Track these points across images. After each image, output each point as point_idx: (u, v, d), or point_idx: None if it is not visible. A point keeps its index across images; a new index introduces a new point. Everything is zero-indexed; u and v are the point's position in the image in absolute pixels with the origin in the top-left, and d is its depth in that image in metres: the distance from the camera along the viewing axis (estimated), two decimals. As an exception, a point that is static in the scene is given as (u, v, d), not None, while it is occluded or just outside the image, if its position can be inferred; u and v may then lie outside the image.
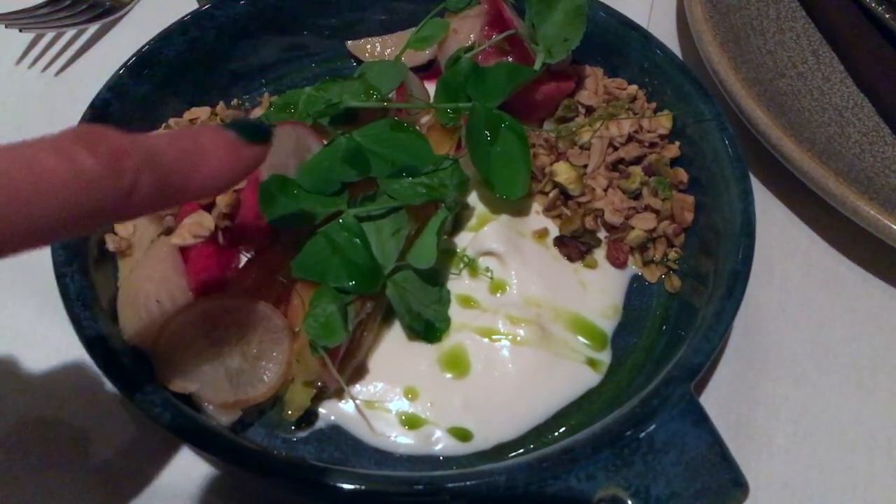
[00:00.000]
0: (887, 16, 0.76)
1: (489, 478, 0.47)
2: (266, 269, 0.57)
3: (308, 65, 0.76)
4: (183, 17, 0.69)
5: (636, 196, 0.65)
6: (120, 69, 0.65)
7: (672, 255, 0.64)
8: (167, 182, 0.35)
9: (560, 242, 0.64)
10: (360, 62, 0.75)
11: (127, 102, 0.64)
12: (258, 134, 0.42)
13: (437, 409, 0.57)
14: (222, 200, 0.60)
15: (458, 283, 0.62)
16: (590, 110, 0.69)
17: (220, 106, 0.70)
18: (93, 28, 0.82)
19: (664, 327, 0.61)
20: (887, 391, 0.61)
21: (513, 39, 0.66)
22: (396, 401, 0.57)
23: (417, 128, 0.64)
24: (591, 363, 0.59)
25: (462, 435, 0.56)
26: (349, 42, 0.76)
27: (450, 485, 0.47)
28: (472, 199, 0.66)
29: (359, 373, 0.58)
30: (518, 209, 0.65)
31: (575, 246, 0.64)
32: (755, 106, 0.67)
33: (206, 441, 0.49)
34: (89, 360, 0.51)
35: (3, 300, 0.64)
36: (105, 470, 0.55)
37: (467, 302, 0.61)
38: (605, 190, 0.65)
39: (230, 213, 0.60)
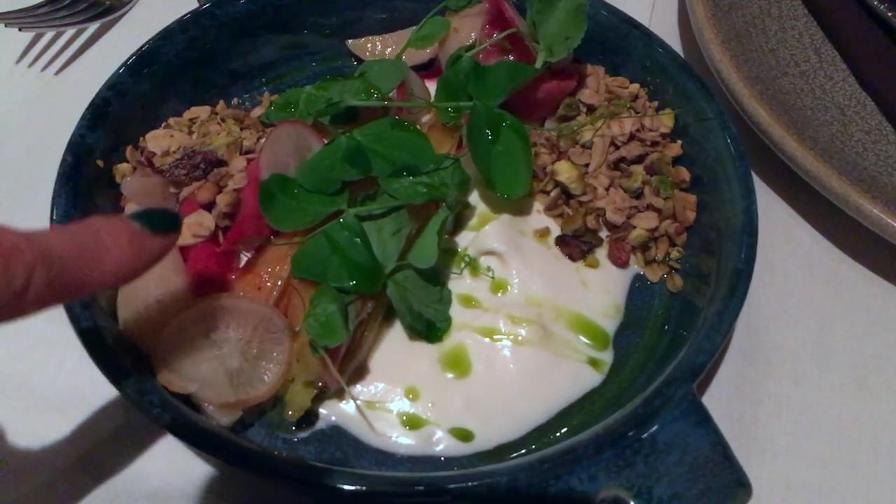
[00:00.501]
0: (890, 14, 0.76)
1: (490, 478, 0.47)
2: (266, 269, 0.57)
3: (308, 64, 0.76)
4: (183, 16, 0.68)
5: (638, 195, 0.65)
6: (120, 68, 0.64)
7: (674, 254, 0.64)
8: (62, 279, 0.35)
9: (561, 242, 0.64)
10: (360, 61, 0.75)
11: (126, 101, 0.64)
12: (165, 224, 0.42)
13: (438, 409, 0.56)
14: (222, 200, 0.60)
15: (460, 283, 0.62)
16: (591, 109, 0.69)
17: (221, 105, 0.70)
18: (92, 27, 0.82)
19: (666, 327, 0.61)
20: (890, 390, 0.61)
21: (514, 38, 0.66)
22: (397, 401, 0.57)
23: (418, 127, 0.63)
24: (593, 363, 0.59)
25: (463, 435, 0.56)
26: (349, 41, 0.76)
27: (451, 485, 0.47)
28: (474, 198, 0.65)
29: (359, 373, 0.58)
30: (519, 208, 0.65)
31: (576, 245, 0.64)
32: (757, 104, 0.66)
33: (205, 442, 0.48)
34: (88, 360, 0.51)
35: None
36: (104, 470, 0.55)
37: (468, 301, 0.61)
38: (607, 189, 0.65)
39: (230, 213, 0.60)
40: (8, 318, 0.35)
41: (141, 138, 0.65)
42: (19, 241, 0.33)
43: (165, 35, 0.67)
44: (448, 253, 0.62)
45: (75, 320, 0.52)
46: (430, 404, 0.57)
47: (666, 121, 0.66)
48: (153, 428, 0.49)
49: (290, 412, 0.55)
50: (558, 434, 0.56)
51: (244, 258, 0.61)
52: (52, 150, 0.61)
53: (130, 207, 0.61)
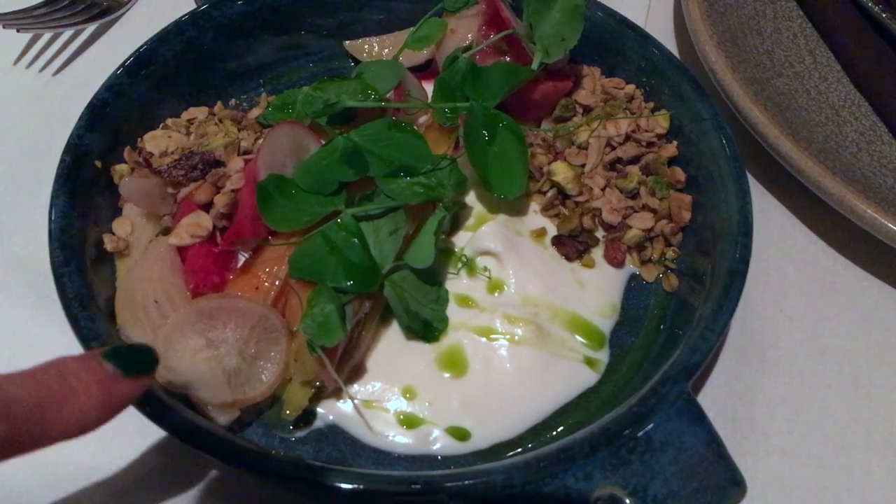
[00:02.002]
0: (884, 15, 0.76)
1: (487, 477, 0.47)
2: (263, 269, 0.57)
3: (306, 65, 0.76)
4: (180, 18, 0.69)
5: (634, 195, 0.65)
6: (118, 69, 0.65)
7: (669, 254, 0.64)
8: (21, 432, 0.33)
9: (558, 242, 0.64)
10: (357, 62, 0.75)
11: (124, 102, 0.64)
12: (140, 366, 0.40)
13: (435, 408, 0.57)
14: (220, 200, 0.60)
15: (456, 283, 0.62)
16: (587, 110, 0.69)
17: (218, 106, 0.71)
18: (90, 28, 0.82)
19: (662, 326, 0.61)
20: (883, 389, 0.61)
21: (510, 39, 0.66)
22: (394, 400, 0.57)
23: (415, 127, 0.64)
24: (589, 362, 0.59)
25: (460, 434, 0.56)
26: (347, 42, 0.76)
27: (448, 484, 0.47)
28: (470, 198, 0.66)
29: (357, 372, 0.58)
30: (516, 209, 0.65)
31: (573, 245, 0.64)
32: (752, 105, 0.67)
33: (203, 441, 0.49)
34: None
35: (0, 300, 0.64)
36: (103, 470, 0.55)
37: (465, 301, 0.61)
38: (603, 189, 0.65)
39: (228, 213, 0.60)
40: None
41: (139, 139, 0.65)
42: None
43: (163, 36, 0.67)
44: (445, 253, 0.63)
45: (73, 320, 0.52)
46: (427, 403, 0.57)
47: (661, 121, 0.67)
48: (151, 427, 0.49)
49: (288, 411, 0.55)
50: (554, 433, 0.56)
51: (242, 258, 0.61)
52: (50, 150, 0.61)
53: (129, 208, 0.61)
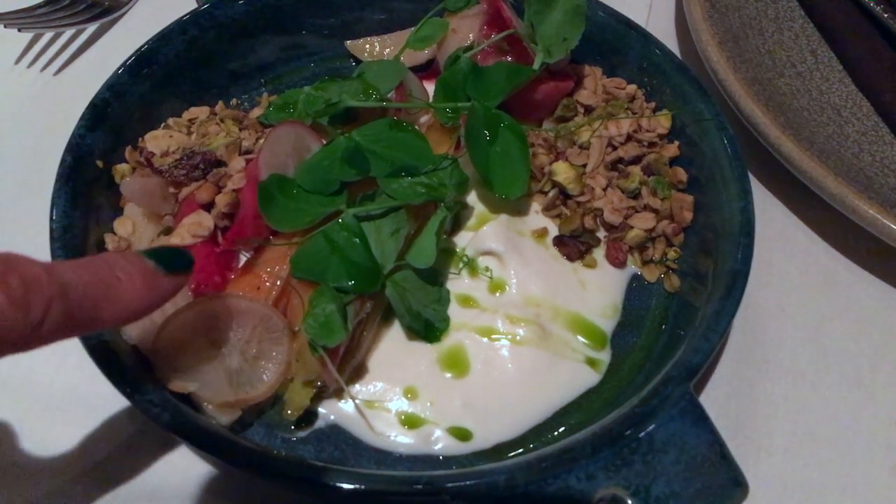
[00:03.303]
0: (886, 15, 0.76)
1: (489, 477, 0.47)
2: (265, 269, 0.57)
3: (307, 64, 0.76)
4: (182, 17, 0.69)
5: (635, 195, 0.65)
6: (119, 69, 0.65)
7: (671, 254, 0.64)
8: (77, 314, 0.35)
9: (559, 242, 0.64)
10: (359, 62, 0.75)
11: (126, 102, 0.64)
12: (179, 264, 0.43)
13: (436, 408, 0.57)
14: (221, 200, 0.60)
15: (458, 283, 0.62)
16: (589, 110, 0.69)
17: (220, 105, 0.70)
18: (91, 28, 0.82)
19: (663, 327, 0.61)
20: (886, 390, 0.61)
21: (512, 39, 0.66)
22: (396, 400, 0.57)
23: (416, 127, 0.63)
24: (591, 362, 0.59)
25: (462, 434, 0.56)
26: (348, 42, 0.76)
27: (449, 484, 0.47)
28: (472, 198, 0.66)
29: (358, 372, 0.58)
30: (517, 209, 0.65)
31: (574, 245, 0.64)
32: (754, 105, 0.67)
33: (205, 441, 0.49)
34: (88, 360, 0.51)
35: (2, 300, 0.64)
36: (104, 470, 0.55)
37: (467, 301, 0.61)
38: (605, 189, 0.65)
39: (230, 213, 0.60)
40: (21, 349, 0.35)
41: (140, 139, 0.65)
42: (40, 274, 0.33)
43: (164, 36, 0.67)
44: (446, 253, 0.63)
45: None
46: (428, 404, 0.57)
47: (663, 121, 0.67)
48: (153, 427, 0.49)
49: (290, 411, 0.55)
50: (556, 433, 0.56)
51: (243, 258, 0.61)
52: (51, 150, 0.61)
53: (130, 207, 0.61)
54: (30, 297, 0.33)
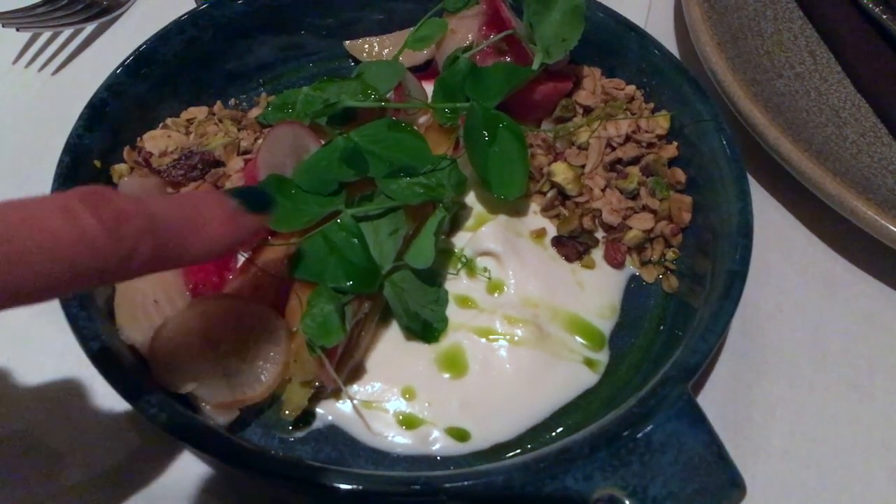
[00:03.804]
0: (884, 16, 0.76)
1: (486, 478, 0.47)
2: (263, 270, 0.57)
3: (305, 64, 0.76)
4: (180, 17, 0.69)
5: (634, 196, 0.65)
6: (117, 69, 0.65)
7: (669, 255, 0.64)
8: (165, 248, 0.36)
9: (558, 242, 0.64)
10: (357, 62, 0.75)
11: (124, 102, 0.64)
12: (260, 204, 0.43)
13: (434, 409, 0.57)
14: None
15: (456, 283, 0.62)
16: (588, 110, 0.69)
17: (218, 105, 0.70)
18: (90, 27, 0.82)
19: (661, 327, 0.61)
20: (883, 391, 0.61)
21: (511, 39, 0.66)
22: (394, 401, 0.57)
23: (415, 128, 0.63)
24: (589, 363, 0.59)
25: (459, 435, 0.56)
26: (347, 42, 0.76)
27: (447, 485, 0.47)
28: (470, 199, 0.66)
29: (356, 373, 0.58)
30: (516, 209, 0.65)
31: (573, 246, 0.64)
32: (753, 106, 0.67)
33: (203, 441, 0.49)
34: (87, 360, 0.51)
35: (0, 300, 0.63)
36: (103, 470, 0.55)
37: (465, 302, 0.61)
38: (603, 190, 0.65)
39: (227, 213, 0.60)
40: (112, 281, 0.36)
41: (138, 139, 0.65)
42: (130, 207, 0.34)
43: (163, 35, 0.67)
44: (445, 253, 0.63)
45: (73, 320, 0.52)
46: (426, 404, 0.57)
47: (662, 122, 0.67)
48: (150, 427, 0.49)
49: (287, 412, 0.55)
50: (554, 434, 0.56)
51: (241, 258, 0.61)
52: (49, 150, 0.61)
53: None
54: (122, 228, 0.33)
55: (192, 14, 0.69)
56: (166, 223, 0.36)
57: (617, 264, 0.64)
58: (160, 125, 0.67)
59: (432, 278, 0.60)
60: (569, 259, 0.64)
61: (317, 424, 0.56)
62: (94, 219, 0.32)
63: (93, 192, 0.33)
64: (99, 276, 0.33)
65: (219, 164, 0.63)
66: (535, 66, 0.64)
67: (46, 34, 0.82)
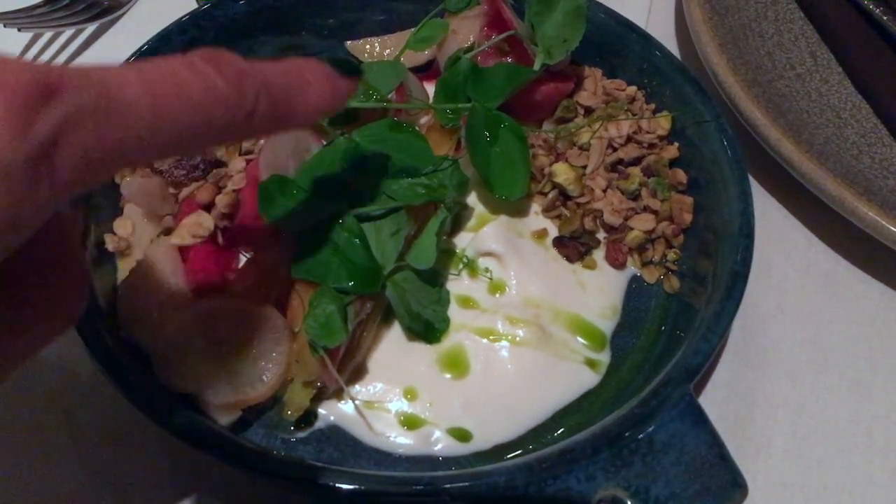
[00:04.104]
0: (885, 18, 0.77)
1: (488, 478, 0.47)
2: (265, 270, 0.57)
3: (307, 65, 0.76)
4: (181, 17, 0.69)
5: (635, 197, 0.65)
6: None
7: (671, 255, 0.64)
8: (278, 108, 0.37)
9: (559, 243, 0.64)
10: (359, 62, 0.75)
11: (126, 102, 0.64)
12: (350, 69, 0.47)
13: (436, 409, 0.57)
14: (222, 200, 0.60)
15: (458, 284, 0.62)
16: (589, 111, 0.69)
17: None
18: (91, 28, 0.82)
19: (663, 328, 0.61)
20: (885, 392, 0.61)
21: (512, 40, 0.66)
22: (396, 401, 0.57)
23: (417, 128, 0.64)
24: (590, 364, 0.59)
25: (461, 435, 0.56)
26: (348, 42, 0.76)
27: (449, 485, 0.47)
28: (472, 199, 0.66)
29: (358, 373, 0.58)
30: (517, 210, 0.65)
31: (574, 246, 0.64)
32: (754, 107, 0.67)
33: (204, 441, 0.49)
34: (88, 360, 0.51)
35: (2, 300, 0.63)
36: (103, 470, 0.55)
37: (466, 302, 0.61)
38: (605, 191, 0.65)
39: (230, 214, 0.60)
40: (237, 137, 0.37)
41: (140, 139, 0.65)
42: (246, 69, 0.35)
43: (164, 36, 0.67)
44: (446, 254, 0.63)
45: (75, 320, 0.52)
46: (428, 404, 0.57)
47: (663, 123, 0.67)
48: (152, 427, 0.49)
49: (289, 412, 0.55)
50: (556, 434, 0.56)
51: (243, 258, 0.61)
52: (51, 150, 0.61)
53: (130, 208, 0.61)
54: (243, 85, 0.34)
55: (193, 14, 0.69)
56: (276, 86, 0.37)
57: (618, 265, 0.64)
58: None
59: (434, 279, 0.60)
60: (570, 260, 0.64)
61: (319, 425, 0.56)
62: (219, 76, 0.33)
63: (213, 53, 0.34)
64: (228, 132, 0.35)
65: (221, 164, 0.63)
66: (536, 67, 0.64)
67: (48, 34, 0.82)
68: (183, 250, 0.59)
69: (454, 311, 0.60)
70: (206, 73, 0.33)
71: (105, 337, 0.52)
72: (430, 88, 0.69)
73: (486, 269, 0.62)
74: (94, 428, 0.57)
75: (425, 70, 0.74)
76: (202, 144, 0.36)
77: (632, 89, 0.70)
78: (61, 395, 0.58)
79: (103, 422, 0.57)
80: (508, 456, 0.55)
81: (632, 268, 0.65)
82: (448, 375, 0.58)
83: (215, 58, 0.34)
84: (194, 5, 0.73)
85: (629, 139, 0.67)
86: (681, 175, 0.65)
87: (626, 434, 0.48)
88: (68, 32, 0.82)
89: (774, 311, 0.65)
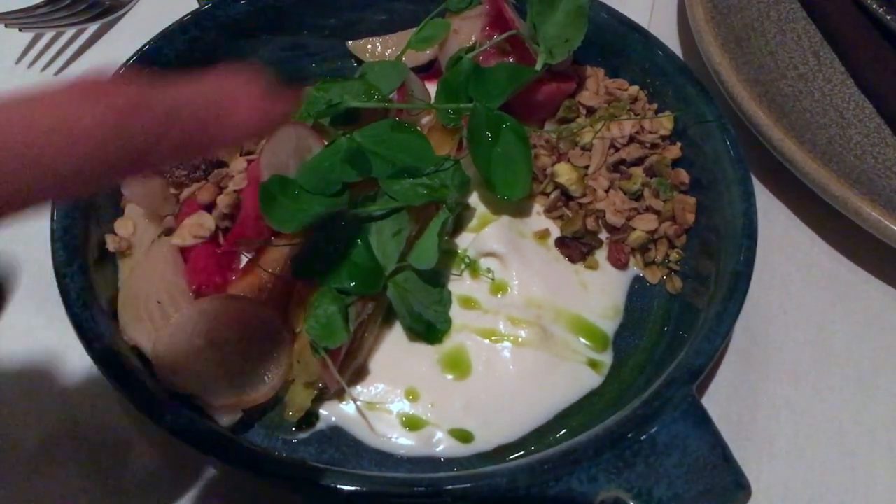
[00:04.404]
0: (888, 17, 0.76)
1: (490, 479, 0.47)
2: (267, 270, 0.57)
3: (308, 65, 0.76)
4: (183, 17, 0.68)
5: (637, 197, 0.65)
6: (120, 69, 0.64)
7: (673, 256, 0.64)
8: (191, 136, 0.35)
9: (561, 243, 0.64)
10: (360, 62, 0.75)
11: (127, 102, 0.64)
12: (290, 86, 0.42)
13: (437, 410, 0.57)
14: (223, 201, 0.60)
15: (459, 284, 0.62)
16: (591, 111, 0.69)
17: (221, 106, 0.70)
18: (92, 27, 0.82)
19: (665, 328, 0.61)
20: (888, 392, 0.61)
21: (514, 40, 0.66)
22: (397, 402, 0.57)
23: (418, 128, 0.63)
24: (593, 364, 0.59)
25: (463, 436, 0.56)
26: (350, 42, 0.76)
27: (450, 486, 0.47)
28: (474, 199, 0.65)
29: (359, 374, 0.58)
30: (519, 210, 0.65)
31: (576, 247, 0.64)
32: (756, 107, 0.67)
33: (206, 442, 0.48)
34: (89, 360, 0.51)
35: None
36: (104, 470, 0.55)
37: (468, 303, 0.61)
38: (607, 191, 0.65)
39: (231, 214, 0.60)
40: (141, 169, 0.34)
41: (141, 139, 0.65)
42: (146, 99, 0.33)
43: (165, 36, 0.67)
44: (448, 254, 0.62)
45: (76, 321, 0.52)
46: (429, 405, 0.57)
47: (665, 123, 0.66)
48: (153, 428, 0.49)
49: (291, 413, 0.55)
50: (558, 435, 0.56)
51: (244, 259, 0.61)
52: (52, 150, 0.61)
53: (131, 208, 0.61)
54: (131, 121, 0.32)
55: (194, 14, 0.69)
56: (189, 111, 0.35)
57: (620, 265, 0.64)
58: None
59: (436, 279, 0.60)
60: (572, 260, 0.64)
61: (320, 426, 0.56)
62: (94, 113, 0.31)
63: (92, 84, 0.32)
64: (126, 167, 0.33)
65: (222, 164, 0.63)
66: (538, 67, 0.64)
67: (49, 34, 0.81)
68: (184, 251, 0.59)
69: (456, 312, 0.60)
70: (80, 111, 0.30)
71: (106, 338, 0.52)
72: (432, 88, 0.68)
73: (488, 270, 0.62)
74: (95, 428, 0.57)
75: (427, 70, 0.74)
76: (100, 182, 0.32)
77: (634, 89, 0.70)
78: (63, 395, 0.58)
79: (104, 422, 0.57)
80: (510, 457, 0.55)
81: (634, 268, 0.65)
82: (450, 376, 0.58)
83: (96, 90, 0.31)
84: (195, 5, 0.72)
85: (631, 139, 0.66)
86: (683, 175, 0.65)
87: (629, 435, 0.48)
88: (70, 32, 0.82)
89: (777, 312, 0.65)
